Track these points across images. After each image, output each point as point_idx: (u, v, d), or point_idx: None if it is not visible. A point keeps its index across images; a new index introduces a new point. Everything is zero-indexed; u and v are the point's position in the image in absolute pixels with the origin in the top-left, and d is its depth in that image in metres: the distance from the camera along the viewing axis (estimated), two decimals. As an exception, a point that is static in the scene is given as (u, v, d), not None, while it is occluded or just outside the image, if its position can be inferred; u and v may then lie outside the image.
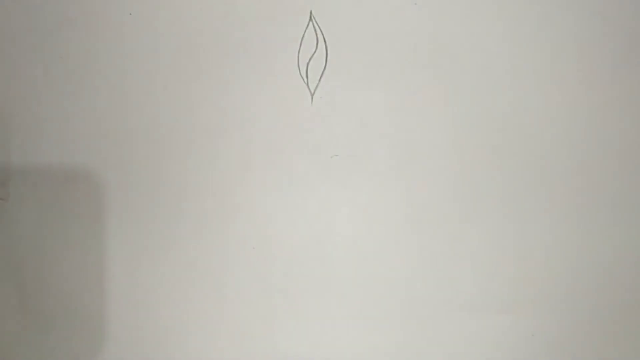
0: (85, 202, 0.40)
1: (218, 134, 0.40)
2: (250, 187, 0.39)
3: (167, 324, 0.40)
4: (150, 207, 0.40)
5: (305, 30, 0.40)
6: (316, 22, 0.40)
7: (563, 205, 0.39)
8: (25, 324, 0.40)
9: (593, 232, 0.39)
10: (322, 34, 0.40)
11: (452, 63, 0.40)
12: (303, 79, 0.40)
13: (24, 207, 0.40)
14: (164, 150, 0.40)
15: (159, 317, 0.40)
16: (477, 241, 0.40)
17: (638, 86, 0.40)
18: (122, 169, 0.40)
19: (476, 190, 0.40)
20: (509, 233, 0.40)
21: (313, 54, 0.40)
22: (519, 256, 0.40)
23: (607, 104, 0.40)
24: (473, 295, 0.39)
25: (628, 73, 0.40)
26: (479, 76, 0.40)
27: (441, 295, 0.39)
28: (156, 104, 0.40)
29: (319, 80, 0.40)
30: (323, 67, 0.40)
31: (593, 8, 0.40)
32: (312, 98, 0.40)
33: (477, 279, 0.39)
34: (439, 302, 0.39)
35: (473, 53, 0.40)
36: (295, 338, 0.40)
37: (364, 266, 0.39)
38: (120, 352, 0.40)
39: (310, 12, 0.40)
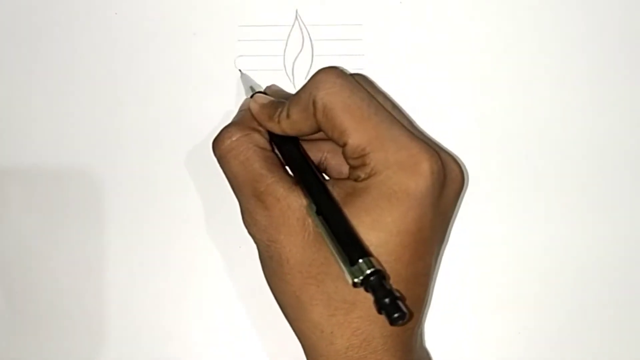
0: (75, 202, 0.40)
1: (205, 133, 0.40)
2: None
3: (156, 323, 0.40)
4: (138, 207, 0.40)
5: (291, 30, 0.40)
6: (302, 21, 0.40)
7: (549, 205, 0.40)
8: (15, 325, 0.40)
9: (579, 231, 0.39)
10: (309, 33, 0.40)
11: (441, 63, 0.40)
12: (289, 78, 0.40)
13: (13, 207, 0.40)
14: (148, 151, 0.40)
15: (148, 317, 0.40)
16: (463, 242, 0.40)
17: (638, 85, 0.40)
18: (109, 169, 0.40)
19: (463, 191, 0.40)
20: (494, 233, 0.40)
21: (299, 53, 0.40)
22: (504, 256, 0.40)
23: (603, 104, 0.40)
24: (458, 296, 0.40)
25: (629, 73, 0.40)
26: (472, 74, 0.40)
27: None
28: (143, 104, 0.40)
29: (305, 79, 0.40)
30: (309, 67, 0.40)
31: (595, 7, 0.40)
32: (298, 97, 0.40)
33: (462, 279, 0.39)
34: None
35: (464, 52, 0.40)
36: (284, 336, 0.40)
37: (350, 265, 0.39)
38: (110, 351, 0.40)
39: (296, 11, 0.40)
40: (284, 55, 0.40)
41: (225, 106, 0.40)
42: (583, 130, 0.40)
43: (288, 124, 0.34)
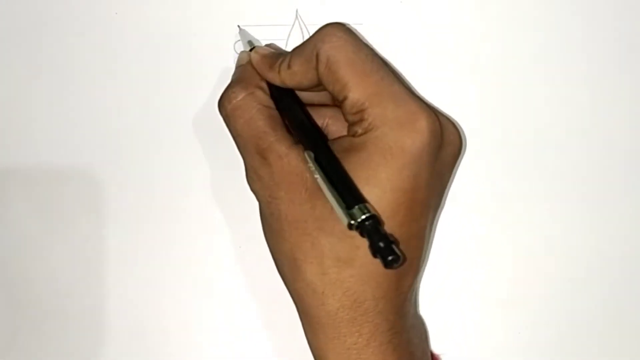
0: (76, 201, 0.40)
1: (205, 133, 0.40)
2: (236, 186, 0.40)
3: (156, 323, 0.40)
4: (138, 207, 0.40)
5: (291, 30, 0.40)
6: (302, 21, 0.40)
7: (550, 205, 0.40)
8: (15, 325, 0.40)
9: (580, 231, 0.39)
10: (309, 33, 0.40)
11: (441, 62, 0.40)
12: (289, 78, 0.40)
13: (13, 205, 0.40)
14: (148, 151, 0.40)
15: (148, 317, 0.40)
16: (462, 240, 0.40)
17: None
18: (109, 168, 0.40)
19: (463, 188, 0.40)
20: (495, 232, 0.40)
21: (299, 53, 0.40)
22: (504, 255, 0.40)
23: (604, 104, 0.40)
24: (460, 294, 0.39)
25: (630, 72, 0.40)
26: (472, 73, 0.40)
27: (428, 293, 0.39)
28: (142, 104, 0.40)
29: (305, 79, 0.40)
30: (309, 66, 0.40)
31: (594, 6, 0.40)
32: (298, 97, 0.40)
33: (463, 277, 0.39)
34: (426, 301, 0.39)
35: (464, 52, 0.40)
36: (283, 337, 0.40)
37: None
38: (110, 351, 0.40)
39: (296, 11, 0.40)
40: (284, 55, 0.40)
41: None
42: (584, 125, 0.40)
43: (288, 75, 0.34)
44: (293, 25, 0.40)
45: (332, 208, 0.31)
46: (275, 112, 0.35)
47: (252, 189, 0.35)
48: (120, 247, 0.40)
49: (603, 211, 0.40)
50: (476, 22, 0.40)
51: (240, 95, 0.35)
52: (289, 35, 0.40)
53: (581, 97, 0.40)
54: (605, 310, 0.40)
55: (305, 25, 0.40)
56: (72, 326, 0.39)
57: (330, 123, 0.37)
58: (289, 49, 0.40)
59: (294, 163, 0.33)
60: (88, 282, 0.39)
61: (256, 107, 0.34)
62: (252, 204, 0.40)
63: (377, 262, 0.28)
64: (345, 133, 0.35)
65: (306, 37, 0.40)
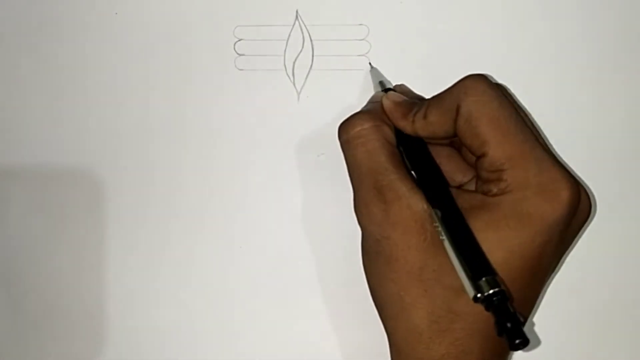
0: (76, 201, 0.40)
1: (205, 133, 0.40)
2: (236, 186, 0.40)
3: (156, 323, 0.40)
4: (138, 207, 0.40)
5: (291, 30, 0.40)
6: (302, 21, 0.40)
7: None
8: (15, 325, 0.40)
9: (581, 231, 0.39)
10: (309, 33, 0.40)
11: (441, 62, 0.40)
12: (289, 78, 0.40)
13: (13, 206, 0.40)
14: (148, 151, 0.40)
15: (148, 317, 0.40)
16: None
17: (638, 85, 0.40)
18: (109, 169, 0.40)
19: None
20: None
21: (299, 53, 0.40)
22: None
23: (605, 102, 0.40)
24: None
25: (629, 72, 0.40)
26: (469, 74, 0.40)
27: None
28: (142, 104, 0.40)
29: (305, 79, 0.40)
30: (309, 66, 0.40)
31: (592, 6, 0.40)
32: (298, 97, 0.40)
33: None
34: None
35: (464, 52, 0.40)
36: (283, 337, 0.40)
37: (351, 265, 0.39)
38: (110, 351, 0.40)
39: (297, 12, 0.40)
40: (284, 55, 0.40)
41: (225, 106, 0.40)
42: (585, 125, 0.40)
43: (423, 125, 0.33)
44: (293, 25, 0.40)
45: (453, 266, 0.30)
46: (397, 152, 0.34)
47: (360, 222, 0.34)
48: (120, 247, 0.40)
49: (604, 211, 0.40)
50: (476, 22, 0.40)
51: (366, 125, 0.33)
52: (289, 35, 0.40)
53: (582, 98, 0.40)
54: (607, 312, 0.40)
55: (305, 25, 0.40)
56: (72, 326, 0.39)
57: (444, 163, 0.36)
58: (288, 49, 0.40)
59: (414, 208, 0.31)
60: (88, 282, 0.39)
61: (381, 140, 0.33)
62: (252, 204, 0.40)
63: (488, 316, 0.28)
64: (458, 175, 0.35)
65: (306, 37, 0.40)
